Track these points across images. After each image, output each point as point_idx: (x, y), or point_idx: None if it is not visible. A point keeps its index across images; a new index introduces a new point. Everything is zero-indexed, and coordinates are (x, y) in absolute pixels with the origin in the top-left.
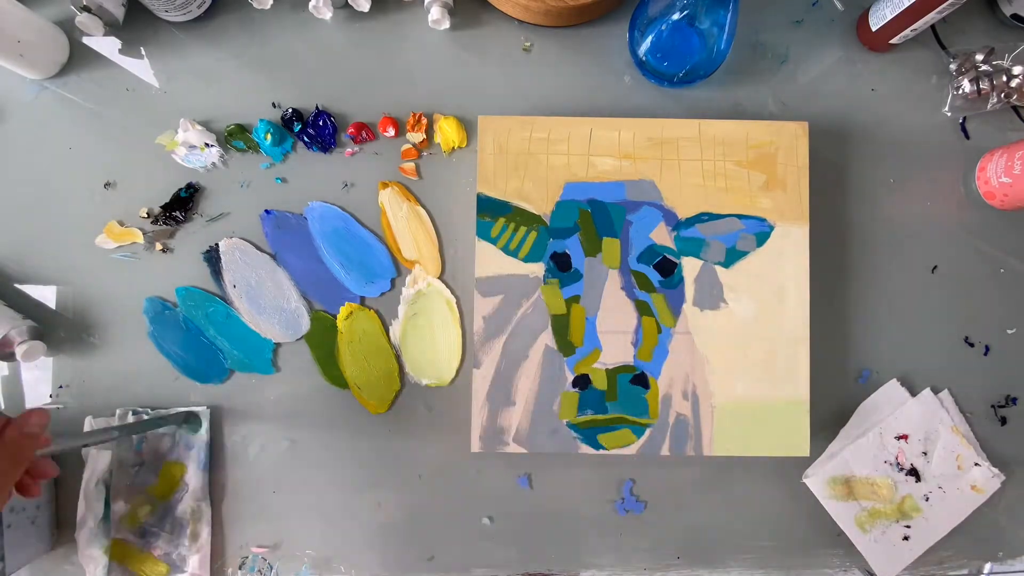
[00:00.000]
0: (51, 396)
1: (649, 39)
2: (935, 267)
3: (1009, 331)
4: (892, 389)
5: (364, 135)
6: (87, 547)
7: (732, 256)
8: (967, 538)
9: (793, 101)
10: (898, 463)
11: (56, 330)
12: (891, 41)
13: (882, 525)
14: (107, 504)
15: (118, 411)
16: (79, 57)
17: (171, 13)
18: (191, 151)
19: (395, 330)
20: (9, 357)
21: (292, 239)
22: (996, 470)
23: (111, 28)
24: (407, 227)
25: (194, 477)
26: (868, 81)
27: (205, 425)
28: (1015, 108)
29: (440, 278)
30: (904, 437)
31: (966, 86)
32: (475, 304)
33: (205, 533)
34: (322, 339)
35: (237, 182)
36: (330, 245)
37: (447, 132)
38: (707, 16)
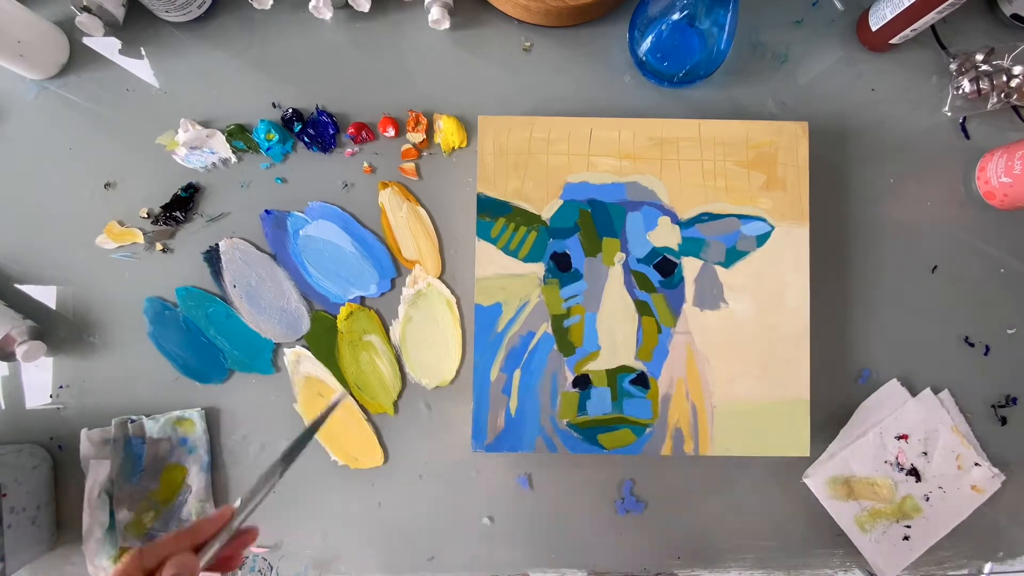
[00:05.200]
0: (51, 396)
1: (649, 39)
2: (935, 267)
3: (1009, 331)
4: (892, 389)
5: (364, 135)
6: (95, 557)
7: (732, 256)
8: (967, 538)
9: (793, 101)
10: (898, 463)
11: (56, 330)
12: (891, 41)
13: (882, 525)
14: (111, 513)
15: (114, 421)
16: (79, 57)
17: (171, 13)
18: (191, 151)
19: (395, 330)
20: (9, 357)
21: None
22: (996, 470)
23: (111, 28)
24: (407, 227)
25: (197, 478)
26: (868, 81)
27: (201, 426)
28: (1015, 108)
29: (440, 278)
30: (904, 437)
31: (966, 86)
32: (475, 304)
33: None
34: (322, 339)
35: (237, 182)
36: (310, 261)
37: (447, 132)
38: (707, 16)
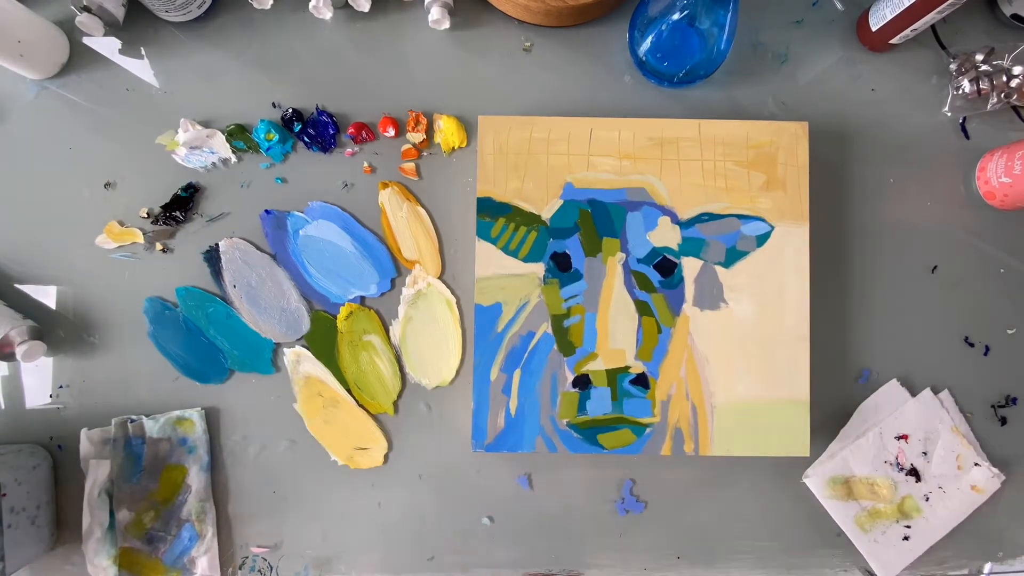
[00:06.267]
0: (51, 396)
1: (649, 39)
2: (935, 267)
3: (1009, 331)
4: (892, 389)
5: (364, 135)
6: (95, 557)
7: (732, 256)
8: (967, 538)
9: (793, 101)
10: (898, 463)
11: (56, 330)
12: (891, 41)
13: (882, 525)
14: (111, 513)
15: (114, 421)
16: (79, 57)
17: (171, 13)
18: (192, 151)
19: (395, 330)
20: (9, 357)
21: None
22: (996, 470)
23: (111, 28)
24: (407, 227)
25: (196, 478)
26: (868, 81)
27: (201, 426)
28: (1015, 108)
29: (440, 278)
30: (904, 437)
31: (966, 86)
32: (475, 304)
33: (211, 533)
34: (322, 339)
35: (237, 182)
36: (310, 261)
37: (447, 132)
38: (707, 16)
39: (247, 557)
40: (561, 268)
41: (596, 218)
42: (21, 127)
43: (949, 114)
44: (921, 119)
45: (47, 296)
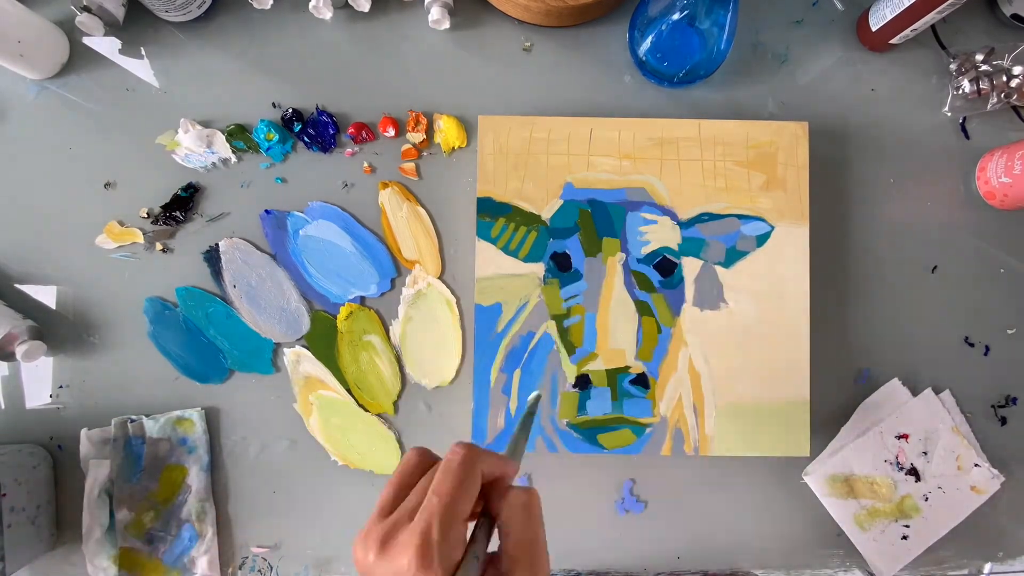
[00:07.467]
0: (51, 396)
1: (649, 39)
2: (935, 267)
3: (1009, 331)
4: (893, 389)
5: (364, 135)
6: (95, 557)
7: (732, 256)
8: (967, 538)
9: (793, 101)
10: (898, 462)
11: (56, 330)
12: (891, 41)
13: (881, 524)
14: (111, 513)
15: (114, 421)
16: (79, 57)
17: (171, 13)
18: (192, 151)
19: (395, 330)
20: (9, 357)
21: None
22: (996, 471)
23: (111, 28)
24: (407, 227)
25: (196, 478)
26: (868, 81)
27: (201, 426)
28: (1015, 108)
29: (440, 278)
30: (904, 436)
31: (966, 86)
32: (475, 304)
33: (211, 533)
34: (322, 339)
35: (237, 182)
36: (310, 261)
37: (447, 132)
38: (707, 16)
39: (247, 557)
40: (561, 268)
41: (596, 218)
42: (21, 127)
43: (949, 114)
44: (921, 119)
45: (47, 296)
